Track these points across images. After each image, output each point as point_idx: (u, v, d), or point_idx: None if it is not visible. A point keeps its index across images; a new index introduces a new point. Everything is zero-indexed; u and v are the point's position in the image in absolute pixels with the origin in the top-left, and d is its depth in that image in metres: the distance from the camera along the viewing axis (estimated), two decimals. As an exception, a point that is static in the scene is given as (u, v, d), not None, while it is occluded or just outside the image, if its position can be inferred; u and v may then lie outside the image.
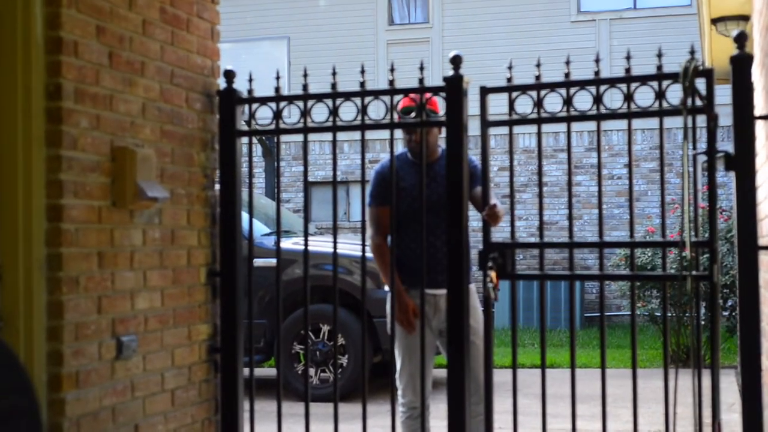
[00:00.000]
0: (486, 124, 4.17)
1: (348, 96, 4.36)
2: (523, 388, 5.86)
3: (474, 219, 4.35)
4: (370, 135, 6.10)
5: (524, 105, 4.12)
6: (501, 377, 4.35)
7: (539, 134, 4.14)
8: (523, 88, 4.13)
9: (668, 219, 11.52)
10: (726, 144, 3.80)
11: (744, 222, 3.81)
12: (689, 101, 3.85)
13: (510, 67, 4.15)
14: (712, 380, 3.83)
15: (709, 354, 3.90)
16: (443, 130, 4.37)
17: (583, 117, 4.09)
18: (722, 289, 9.97)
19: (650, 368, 9.92)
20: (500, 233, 5.35)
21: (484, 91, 4.15)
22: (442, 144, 5.00)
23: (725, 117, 3.78)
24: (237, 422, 4.39)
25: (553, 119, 4.09)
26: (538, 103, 4.10)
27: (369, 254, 4.96)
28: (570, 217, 4.21)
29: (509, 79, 4.15)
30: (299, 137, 4.51)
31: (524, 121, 4.12)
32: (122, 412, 3.69)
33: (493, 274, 4.09)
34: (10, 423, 2.86)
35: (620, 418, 6.38)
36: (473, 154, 4.58)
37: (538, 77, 4.10)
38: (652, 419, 6.01)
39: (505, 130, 4.19)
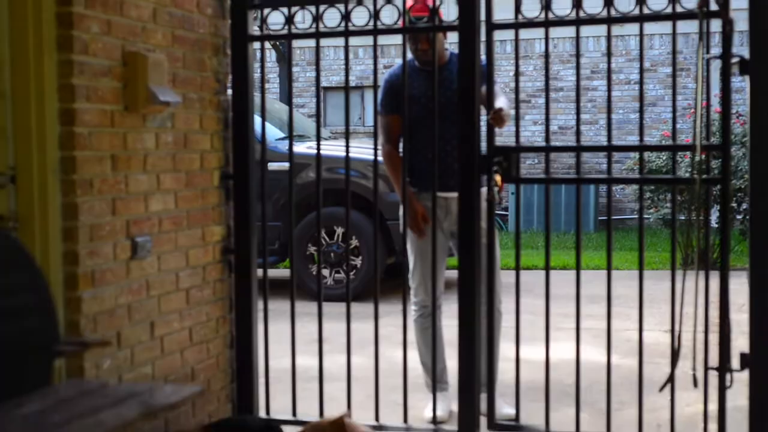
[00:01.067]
0: (491, 27, 4.15)
1: (360, 1, 4.34)
2: (534, 289, 5.94)
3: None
4: (384, 40, 6.08)
5: (536, 10, 4.09)
6: (512, 278, 4.43)
7: (546, 38, 4.12)
8: (530, -10, 4.09)
9: (684, 123, 11.46)
10: (743, 49, 3.78)
11: (756, 127, 3.81)
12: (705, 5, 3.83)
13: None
14: (721, 281, 3.89)
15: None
16: (449, 35, 4.33)
17: (592, 20, 4.06)
18: (736, 192, 9.99)
19: (663, 270, 9.98)
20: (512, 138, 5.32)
21: (490, -7, 4.11)
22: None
23: (743, 22, 3.75)
24: (251, 320, 4.49)
25: (561, 22, 4.06)
26: (546, 6, 4.07)
27: (381, 158, 5.00)
28: (578, 121, 4.22)
29: (516, -18, 4.11)
30: (313, 42, 4.50)
31: (530, 24, 4.09)
32: (138, 309, 3.78)
33: (497, 177, 4.13)
34: (24, 319, 2.94)
35: (630, 317, 6.43)
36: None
37: (546, -21, 4.06)
38: (663, 319, 6.08)
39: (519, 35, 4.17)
